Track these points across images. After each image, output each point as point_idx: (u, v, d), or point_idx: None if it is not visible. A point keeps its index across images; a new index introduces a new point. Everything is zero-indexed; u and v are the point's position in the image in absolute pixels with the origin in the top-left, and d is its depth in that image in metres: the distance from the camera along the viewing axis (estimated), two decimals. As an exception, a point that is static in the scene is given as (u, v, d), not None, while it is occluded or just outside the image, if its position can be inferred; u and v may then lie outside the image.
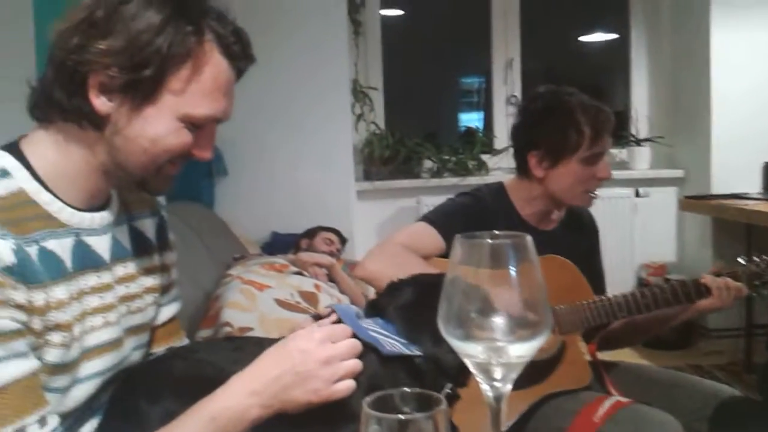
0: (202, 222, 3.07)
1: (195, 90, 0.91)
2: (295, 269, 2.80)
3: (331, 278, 2.97)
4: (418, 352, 0.99)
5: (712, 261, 3.78)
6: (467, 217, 1.67)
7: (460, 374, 0.98)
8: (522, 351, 0.65)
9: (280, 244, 3.54)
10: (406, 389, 0.67)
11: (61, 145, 0.92)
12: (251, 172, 3.72)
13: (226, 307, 2.24)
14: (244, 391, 0.91)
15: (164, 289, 1.15)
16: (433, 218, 1.67)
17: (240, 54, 0.95)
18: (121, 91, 0.88)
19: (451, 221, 1.64)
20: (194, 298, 2.37)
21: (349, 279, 3.02)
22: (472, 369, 0.67)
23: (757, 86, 3.74)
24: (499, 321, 0.65)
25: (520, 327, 0.65)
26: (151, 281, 1.09)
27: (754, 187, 3.72)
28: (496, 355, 0.65)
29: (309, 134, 3.74)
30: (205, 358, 0.97)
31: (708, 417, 1.50)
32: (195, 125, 0.93)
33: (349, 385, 0.93)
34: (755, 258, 1.62)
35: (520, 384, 1.66)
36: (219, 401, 0.90)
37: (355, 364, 0.95)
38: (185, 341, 1.22)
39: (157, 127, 0.91)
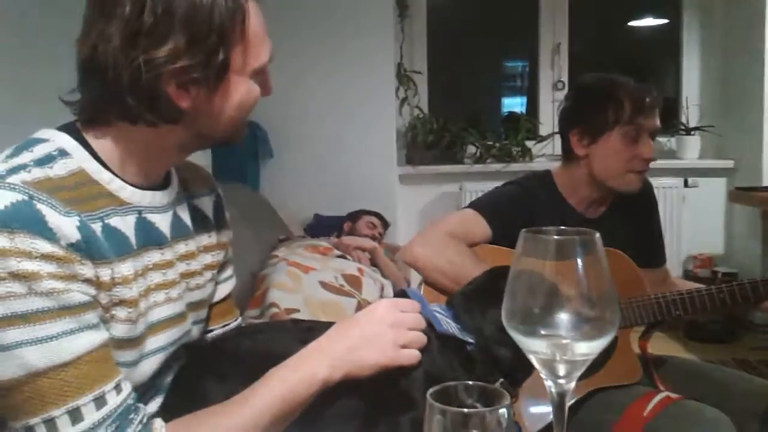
0: (248, 203, 3.11)
1: (252, 45, 0.92)
2: (338, 252, 2.83)
3: (374, 262, 2.99)
4: (470, 340, 1.00)
5: (762, 255, 3.69)
6: (515, 206, 1.66)
7: (513, 370, 0.98)
8: (587, 349, 0.65)
9: (322, 227, 3.57)
10: (470, 382, 0.67)
11: (128, 139, 0.93)
12: (295, 154, 3.75)
13: (272, 288, 2.28)
14: (314, 353, 0.93)
15: (221, 267, 1.17)
16: (481, 206, 1.66)
17: None
18: (197, 80, 0.88)
19: (499, 210, 1.64)
20: (241, 278, 2.40)
21: (391, 263, 3.04)
22: (536, 364, 0.67)
23: (815, 75, 3.62)
24: (564, 317, 0.65)
25: (586, 324, 0.65)
26: (209, 258, 1.11)
27: (809, 180, 3.62)
28: (560, 352, 0.65)
29: (353, 117, 3.75)
30: (273, 338, 0.98)
31: (760, 415, 1.47)
32: (259, 73, 0.96)
33: (414, 354, 0.94)
34: None
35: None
36: (289, 366, 0.92)
37: (421, 336, 0.96)
38: (239, 319, 1.25)
39: (237, 94, 0.93)
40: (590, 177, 1.68)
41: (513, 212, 1.63)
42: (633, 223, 1.76)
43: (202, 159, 3.18)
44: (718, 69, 4.11)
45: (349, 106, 3.74)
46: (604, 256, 0.66)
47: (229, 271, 1.21)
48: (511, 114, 4.39)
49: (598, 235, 0.66)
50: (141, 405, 0.88)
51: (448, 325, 1.00)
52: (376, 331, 0.94)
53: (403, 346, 0.94)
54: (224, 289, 1.19)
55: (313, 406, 0.92)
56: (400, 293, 1.07)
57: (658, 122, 1.63)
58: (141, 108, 0.88)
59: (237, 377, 0.90)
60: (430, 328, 0.98)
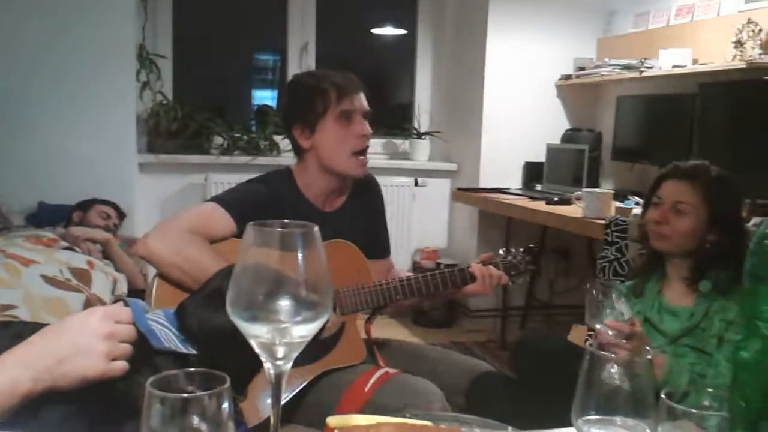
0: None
1: None
2: (65, 244, 2.62)
3: (107, 255, 2.82)
4: (193, 351, 0.99)
5: (477, 248, 4.18)
6: (259, 202, 1.68)
7: (237, 378, 1.00)
8: (305, 331, 0.69)
9: (48, 216, 3.26)
10: (191, 369, 0.68)
11: None
12: (16, 136, 3.37)
13: (-16, 283, 2.04)
14: (15, 364, 0.86)
15: None
16: (225, 200, 1.66)
17: None
18: None
19: (243, 206, 1.65)
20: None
21: (127, 256, 2.89)
22: (255, 348, 0.70)
23: (523, 95, 4.18)
24: (284, 303, 0.69)
25: (305, 309, 0.69)
26: None
27: (516, 184, 4.18)
28: (280, 335, 0.69)
29: (88, 99, 3.47)
30: None
31: (464, 390, 1.68)
32: None
33: (123, 366, 0.92)
34: (512, 250, 1.83)
35: (300, 361, 1.71)
36: None
37: (130, 349, 0.94)
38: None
39: None
40: (320, 167, 1.76)
41: (257, 207, 1.65)
42: (364, 218, 1.88)
43: None
44: (447, 81, 4.55)
45: (84, 87, 3.46)
46: (323, 247, 0.71)
47: None
48: (262, 107, 4.41)
49: (317, 228, 0.71)
50: None
51: (168, 339, 0.98)
52: (87, 343, 0.90)
53: (114, 359, 0.92)
54: None
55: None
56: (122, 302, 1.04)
57: (365, 103, 1.77)
58: None
59: None
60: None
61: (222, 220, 1.61)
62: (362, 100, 1.76)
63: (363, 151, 1.75)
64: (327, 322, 0.72)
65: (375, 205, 1.95)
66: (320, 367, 1.59)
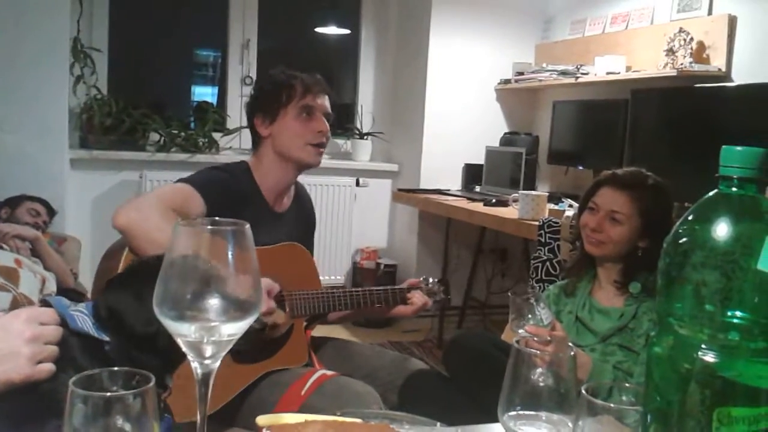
0: None
1: None
2: (-9, 241, 2.52)
3: (36, 253, 2.73)
4: (105, 338, 0.98)
5: (417, 248, 4.22)
6: (227, 190, 1.71)
7: (156, 373, 0.99)
8: (233, 330, 0.69)
9: (-28, 212, 3.13)
10: (115, 368, 0.67)
11: None
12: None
13: None
14: None
15: None
16: (198, 183, 1.66)
17: None
18: None
19: (214, 190, 1.66)
20: None
21: (57, 255, 2.81)
22: (183, 347, 0.69)
23: (464, 98, 4.23)
24: (213, 302, 0.68)
25: (234, 308, 0.69)
26: None
27: (456, 185, 4.23)
28: (208, 334, 0.68)
29: (17, 92, 3.34)
30: None
31: (398, 388, 1.70)
32: None
33: (49, 368, 0.91)
34: (430, 279, 1.93)
35: (246, 360, 1.70)
36: None
37: (57, 351, 0.93)
38: None
39: None
40: (276, 154, 1.79)
41: (225, 195, 1.68)
42: (301, 228, 1.92)
43: None
44: (389, 83, 4.58)
45: (11, 79, 3.32)
46: (253, 246, 0.70)
47: None
48: (201, 104, 4.34)
49: (248, 225, 0.70)
50: None
51: (84, 322, 0.97)
52: (12, 347, 0.88)
53: (39, 361, 0.90)
54: None
55: None
56: (43, 303, 1.02)
57: (327, 105, 1.83)
58: None
59: None
60: (67, 327, 0.95)
61: (197, 202, 1.62)
62: (326, 101, 1.82)
63: (320, 145, 1.81)
64: (262, 324, 0.72)
65: (310, 219, 2.00)
66: (265, 367, 1.60)
